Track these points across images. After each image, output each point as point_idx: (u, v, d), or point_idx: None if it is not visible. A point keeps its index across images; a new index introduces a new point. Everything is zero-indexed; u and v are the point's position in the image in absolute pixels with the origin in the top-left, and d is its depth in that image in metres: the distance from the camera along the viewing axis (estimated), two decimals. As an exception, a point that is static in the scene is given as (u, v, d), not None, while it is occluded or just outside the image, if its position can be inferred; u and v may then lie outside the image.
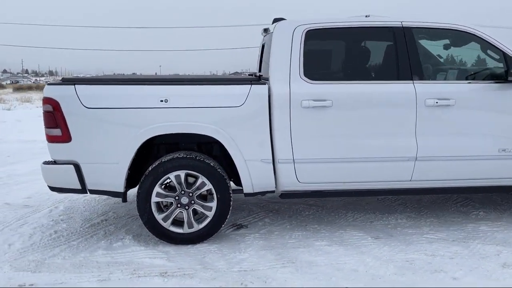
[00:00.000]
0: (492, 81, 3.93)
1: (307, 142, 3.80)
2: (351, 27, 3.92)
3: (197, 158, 3.79)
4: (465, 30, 3.99)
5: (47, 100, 3.68)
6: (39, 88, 47.16)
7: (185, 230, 3.85)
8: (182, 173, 3.78)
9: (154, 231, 3.86)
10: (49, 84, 3.77)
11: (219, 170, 3.81)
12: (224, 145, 3.75)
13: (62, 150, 3.73)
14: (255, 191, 3.91)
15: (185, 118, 3.72)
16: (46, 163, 3.82)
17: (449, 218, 4.43)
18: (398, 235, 4.01)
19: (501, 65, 3.98)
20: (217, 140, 3.80)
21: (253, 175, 3.82)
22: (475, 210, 4.65)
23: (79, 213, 4.83)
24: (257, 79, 3.97)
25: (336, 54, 4.07)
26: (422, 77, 3.87)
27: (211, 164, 3.80)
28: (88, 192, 3.85)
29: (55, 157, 3.78)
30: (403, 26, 3.92)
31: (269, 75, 3.83)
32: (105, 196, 5.35)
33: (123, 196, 3.87)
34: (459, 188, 4.08)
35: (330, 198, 5.00)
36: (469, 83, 3.93)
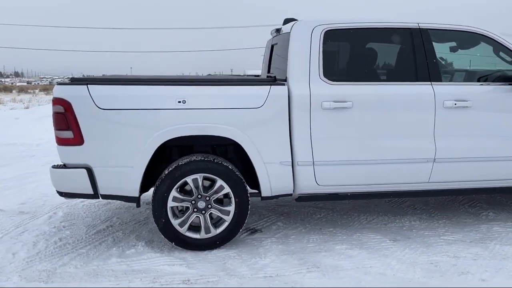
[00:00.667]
0: (505, 83, 3.96)
1: (327, 144, 3.74)
2: (370, 28, 3.89)
3: (215, 161, 3.67)
4: (478, 32, 4.01)
5: (58, 101, 3.49)
6: (7, 89, 45.66)
7: (202, 235, 3.72)
8: (199, 177, 3.66)
9: (170, 237, 3.71)
10: (59, 84, 3.58)
11: (237, 173, 3.70)
12: (244, 148, 3.65)
13: (74, 153, 3.55)
14: (273, 195, 3.82)
15: (203, 119, 3.60)
16: (55, 167, 3.63)
17: (461, 220, 4.45)
18: (415, 237, 4.00)
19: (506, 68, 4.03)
20: (233, 142, 3.70)
21: (272, 178, 3.73)
22: (483, 210, 4.69)
23: (81, 219, 4.63)
24: (273, 80, 3.88)
25: (354, 54, 4.02)
26: (439, 78, 3.88)
27: (229, 167, 3.69)
28: (100, 197, 3.67)
29: (65, 160, 3.59)
30: (420, 27, 3.91)
31: (288, 76, 3.75)
32: (105, 201, 5.19)
33: (137, 201, 3.71)
34: (474, 190, 4.10)
35: (339, 201, 4.96)
36: (482, 85, 3.95)
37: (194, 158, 3.66)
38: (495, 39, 4.01)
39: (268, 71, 4.74)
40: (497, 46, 4.06)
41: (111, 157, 3.56)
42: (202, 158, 3.66)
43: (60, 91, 3.51)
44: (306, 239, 3.99)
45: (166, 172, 3.62)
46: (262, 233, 4.14)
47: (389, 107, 3.78)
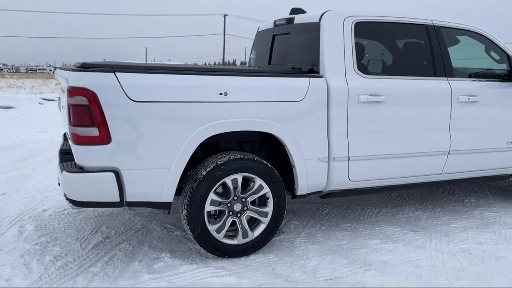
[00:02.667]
0: (501, 79, 4.29)
1: (362, 139, 3.67)
2: (396, 22, 3.90)
3: (255, 159, 3.37)
4: (476, 31, 4.28)
5: (79, 91, 2.87)
6: None
7: (239, 240, 3.40)
8: (239, 177, 3.33)
9: (206, 245, 3.32)
10: (77, 71, 2.94)
11: (275, 171, 3.45)
12: (285, 144, 3.41)
13: (99, 154, 2.96)
14: (307, 193, 3.64)
15: (246, 113, 3.27)
16: (71, 171, 2.99)
17: (453, 208, 4.74)
18: (429, 227, 4.15)
19: (504, 65, 4.39)
20: (268, 138, 3.44)
21: (310, 175, 3.55)
22: (463, 198, 5.07)
23: (62, 232, 3.92)
24: (301, 72, 3.69)
25: (383, 48, 4.01)
26: (453, 74, 4.05)
27: (269, 165, 3.42)
28: (125, 205, 3.13)
29: (86, 162, 2.98)
30: (434, 24, 4.05)
31: (324, 69, 3.58)
32: (76, 209, 4.47)
33: (169, 207, 3.24)
34: (475, 178, 4.39)
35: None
36: (487, 81, 4.23)
37: (233, 156, 3.31)
38: (490, 38, 4.32)
39: (269, 63, 4.51)
40: (490, 45, 4.38)
41: (143, 157, 3.05)
42: (242, 156, 3.33)
43: (81, 79, 2.89)
44: (333, 236, 3.89)
45: (204, 173, 3.21)
46: (286, 234, 3.93)
47: (417, 102, 3.85)
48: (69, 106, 2.92)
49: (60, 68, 3.65)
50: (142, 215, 4.33)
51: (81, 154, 2.96)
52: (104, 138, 2.93)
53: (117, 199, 3.05)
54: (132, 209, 4.46)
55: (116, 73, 2.95)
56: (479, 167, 4.31)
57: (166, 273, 3.17)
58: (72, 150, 3.03)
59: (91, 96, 2.87)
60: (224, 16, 56.76)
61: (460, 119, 4.04)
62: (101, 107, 2.89)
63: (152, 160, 3.07)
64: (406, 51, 4.03)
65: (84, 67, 3.00)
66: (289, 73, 3.55)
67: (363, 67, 3.69)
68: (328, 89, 3.52)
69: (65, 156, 3.93)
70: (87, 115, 2.88)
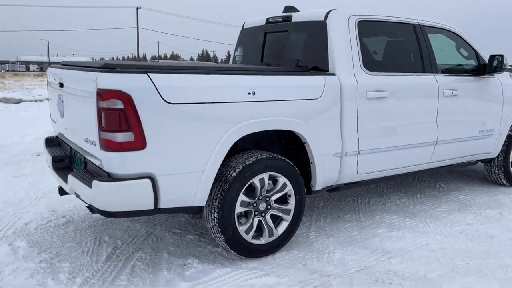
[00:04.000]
0: (471, 74, 4.71)
1: (369, 133, 3.83)
2: (391, 22, 4.11)
3: (279, 157, 3.38)
4: (451, 30, 4.66)
5: (113, 94, 2.67)
6: None
7: (265, 239, 3.40)
8: (266, 176, 3.32)
9: (236, 248, 3.27)
10: (105, 71, 2.73)
11: (297, 169, 3.49)
12: (307, 141, 3.46)
13: (134, 160, 2.78)
14: (322, 188, 3.73)
15: (272, 112, 3.26)
16: (103, 180, 2.77)
17: (429, 193, 5.12)
18: (419, 213, 4.45)
19: (472, 61, 4.81)
20: (282, 136, 3.47)
21: (326, 170, 3.65)
22: (433, 183, 5.49)
23: (60, 246, 3.63)
24: (308, 70, 3.76)
25: (381, 46, 4.18)
26: (437, 70, 4.37)
27: (291, 163, 3.45)
28: (158, 212, 2.98)
29: (119, 170, 2.78)
30: (419, 24, 4.33)
31: (334, 66, 3.67)
32: (62, 218, 4.16)
33: (201, 211, 3.14)
34: (453, 165, 4.78)
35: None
36: (461, 76, 4.62)
37: (259, 156, 3.29)
38: (462, 36, 4.72)
39: (261, 60, 4.51)
40: (461, 43, 4.78)
41: (178, 161, 2.92)
42: (268, 156, 3.32)
43: (114, 81, 2.69)
44: (342, 228, 4.03)
45: (234, 174, 3.16)
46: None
47: (413, 96, 4.10)
48: (99, 110, 2.71)
49: (63, 67, 3.34)
50: (140, 221, 4.13)
51: (114, 161, 2.76)
52: (140, 143, 2.76)
53: (152, 207, 2.90)
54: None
55: (149, 74, 2.79)
56: (458, 155, 4.70)
57: (201, 279, 3.08)
58: (100, 157, 2.81)
59: (126, 99, 2.69)
60: (137, 9, 54.89)
61: (444, 111, 4.37)
62: (137, 111, 2.72)
63: (186, 164, 2.95)
64: (400, 48, 4.26)
65: (108, 67, 2.80)
66: (305, 71, 3.60)
67: (368, 64, 3.84)
68: (341, 86, 3.62)
69: (59, 163, 3.64)
70: (122, 119, 2.69)
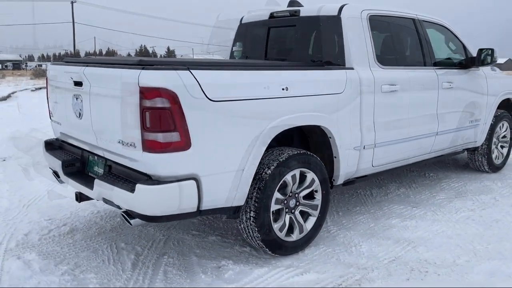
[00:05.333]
0: (460, 67, 4.93)
1: (384, 125, 3.90)
2: (397, 17, 4.20)
3: (308, 153, 3.37)
4: (442, 24, 4.85)
5: (159, 92, 2.53)
6: None
7: (296, 236, 3.38)
8: (298, 172, 3.30)
9: (272, 246, 3.23)
10: (147, 69, 2.57)
11: (323, 165, 3.49)
12: (333, 135, 3.47)
13: (180, 161, 2.65)
14: (343, 182, 3.76)
15: (303, 108, 3.24)
16: (148, 183, 2.62)
17: (423, 182, 5.32)
18: (422, 202, 4.61)
19: (457, 55, 5.04)
20: (302, 131, 3.48)
21: (348, 164, 3.68)
22: (422, 172, 5.71)
23: (75, 256, 3.41)
24: (324, 64, 3.77)
25: (391, 40, 4.24)
26: (436, 64, 4.53)
27: (318, 159, 3.44)
28: (199, 214, 2.86)
29: (164, 172, 2.64)
30: (419, 19, 4.47)
31: (351, 61, 3.70)
32: (64, 226, 3.92)
33: (240, 211, 3.06)
34: (447, 154, 4.99)
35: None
36: (455, 69, 4.82)
37: (291, 152, 3.25)
38: (452, 30, 4.92)
39: (265, 55, 4.46)
40: (450, 37, 4.98)
41: (220, 160, 2.82)
42: (298, 152, 3.30)
43: (158, 79, 2.54)
44: (358, 221, 4.08)
45: (269, 172, 3.10)
46: (315, 224, 3.99)
47: (419, 89, 4.22)
48: (143, 109, 2.55)
49: (83, 64, 3.10)
50: (152, 225, 3.96)
51: (159, 162, 2.62)
52: (185, 143, 2.63)
53: (195, 209, 2.78)
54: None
55: (191, 70, 2.66)
56: (451, 144, 4.91)
57: (243, 280, 3.01)
58: (141, 159, 2.64)
59: (172, 97, 2.55)
60: (72, 3, 52.46)
61: (443, 103, 4.55)
62: (182, 109, 2.59)
63: (228, 162, 2.86)
64: (406, 43, 4.37)
65: (146, 64, 2.65)
66: (327, 66, 3.60)
67: (380, 59, 3.91)
68: (360, 80, 3.66)
69: (70, 168, 3.41)
70: (168, 118, 2.56)
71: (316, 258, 3.34)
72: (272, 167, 3.12)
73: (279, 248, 3.28)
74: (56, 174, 3.68)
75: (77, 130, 3.30)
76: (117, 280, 3.03)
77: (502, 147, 5.80)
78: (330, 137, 3.51)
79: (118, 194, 2.75)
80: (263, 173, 3.11)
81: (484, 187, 5.12)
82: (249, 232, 3.17)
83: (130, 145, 2.71)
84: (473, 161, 5.68)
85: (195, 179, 2.72)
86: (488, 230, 3.88)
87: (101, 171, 3.18)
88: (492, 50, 4.80)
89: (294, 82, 3.18)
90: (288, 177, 3.23)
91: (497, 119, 5.50)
